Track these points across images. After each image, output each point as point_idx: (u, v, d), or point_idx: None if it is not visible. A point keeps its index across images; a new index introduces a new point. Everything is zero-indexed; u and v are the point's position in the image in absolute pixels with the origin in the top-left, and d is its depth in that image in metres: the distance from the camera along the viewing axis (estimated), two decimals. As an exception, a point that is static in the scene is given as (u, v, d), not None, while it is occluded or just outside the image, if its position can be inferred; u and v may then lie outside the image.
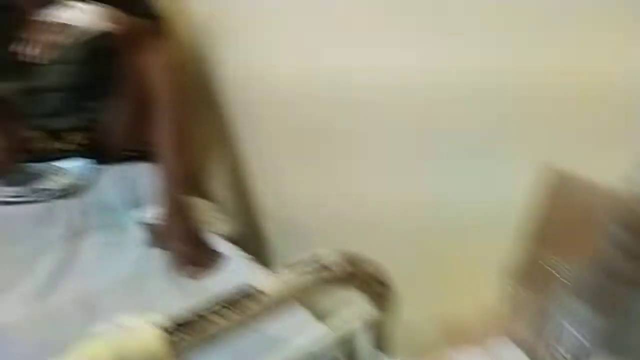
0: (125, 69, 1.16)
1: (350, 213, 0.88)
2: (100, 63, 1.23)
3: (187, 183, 1.12)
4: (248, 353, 0.55)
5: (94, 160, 1.30)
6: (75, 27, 0.95)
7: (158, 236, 1.02)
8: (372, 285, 0.54)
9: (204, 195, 1.42)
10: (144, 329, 0.40)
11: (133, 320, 0.40)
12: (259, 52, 1.05)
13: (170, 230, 1.02)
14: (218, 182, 1.43)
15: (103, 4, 1.01)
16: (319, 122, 0.91)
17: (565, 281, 0.50)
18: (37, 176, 1.23)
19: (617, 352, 0.47)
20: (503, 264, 0.59)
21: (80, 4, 0.98)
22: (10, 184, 1.18)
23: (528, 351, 0.55)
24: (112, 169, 1.27)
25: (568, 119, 0.53)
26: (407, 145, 0.73)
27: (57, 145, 1.30)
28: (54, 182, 1.19)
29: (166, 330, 0.40)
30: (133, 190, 1.18)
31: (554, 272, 0.52)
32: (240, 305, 0.44)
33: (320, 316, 0.79)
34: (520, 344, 0.55)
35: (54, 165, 1.27)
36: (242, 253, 1.02)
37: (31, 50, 0.90)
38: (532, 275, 0.56)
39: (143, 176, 1.23)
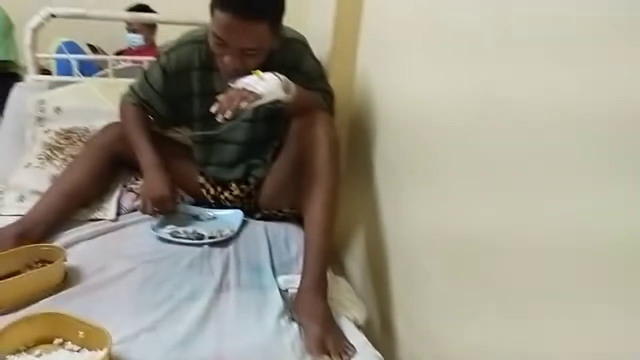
0: (292, 135, 1.22)
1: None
2: (271, 125, 1.32)
3: (330, 259, 1.11)
4: None
5: (247, 213, 1.38)
6: (259, 94, 1.03)
7: (295, 308, 1.02)
8: None
9: (342, 271, 1.41)
10: None
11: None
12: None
13: (306, 306, 1.00)
14: (356, 261, 1.41)
15: (285, 76, 1.09)
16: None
17: None
18: (194, 219, 1.33)
19: None
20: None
21: (266, 75, 1.06)
22: (170, 222, 1.29)
23: None
24: (263, 225, 1.33)
25: None
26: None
27: (221, 194, 1.40)
28: (208, 228, 1.27)
29: None
30: (281, 254, 1.20)
31: None
32: None
33: None
34: None
35: (211, 211, 1.36)
36: (374, 351, 0.96)
37: (223, 109, 0.99)
38: None
39: (292, 241, 1.25)
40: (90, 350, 0.83)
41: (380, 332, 1.21)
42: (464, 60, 0.86)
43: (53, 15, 1.75)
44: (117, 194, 1.33)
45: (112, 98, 1.62)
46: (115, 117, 1.49)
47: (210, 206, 1.39)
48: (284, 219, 1.38)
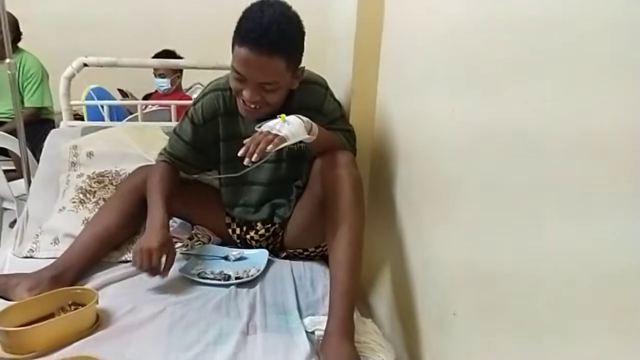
0: (315, 175, 1.24)
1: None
2: (294, 165, 1.35)
3: (356, 300, 1.11)
4: None
5: (272, 252, 1.40)
6: (284, 136, 1.06)
7: (321, 351, 1.01)
8: None
9: (369, 312, 1.39)
10: None
11: None
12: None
13: (332, 349, 0.99)
14: (383, 301, 1.39)
15: (308, 118, 1.13)
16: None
17: None
18: (221, 260, 1.35)
19: None
20: None
21: (290, 118, 1.10)
22: (197, 263, 1.31)
23: None
24: (288, 264, 1.34)
25: None
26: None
27: (247, 234, 1.42)
28: (235, 268, 1.28)
29: None
30: (307, 294, 1.20)
31: None
32: None
33: None
34: None
35: (238, 251, 1.38)
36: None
37: (250, 153, 1.03)
38: None
39: (318, 281, 1.26)
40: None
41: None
42: (485, 93, 0.87)
43: (86, 65, 1.85)
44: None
45: (140, 141, 1.68)
46: (143, 161, 1.55)
47: (236, 246, 1.41)
48: (308, 258, 1.39)
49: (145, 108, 2.45)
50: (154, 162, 1.53)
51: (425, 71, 1.12)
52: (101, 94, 2.51)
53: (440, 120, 1.04)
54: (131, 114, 2.60)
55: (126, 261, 1.30)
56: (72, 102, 1.93)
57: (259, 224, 1.40)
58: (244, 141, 1.05)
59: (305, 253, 1.39)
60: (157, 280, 1.18)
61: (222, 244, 1.43)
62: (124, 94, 3.03)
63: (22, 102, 2.63)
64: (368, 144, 1.43)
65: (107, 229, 1.29)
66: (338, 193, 1.13)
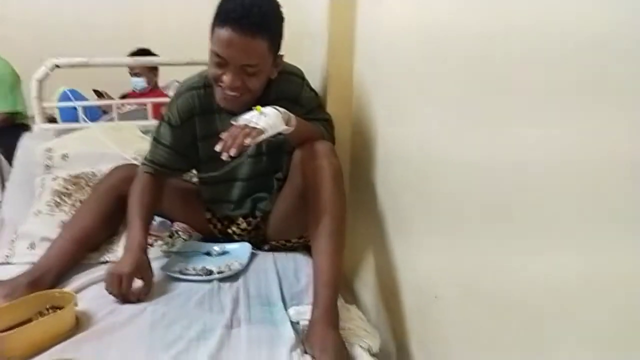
0: (295, 166, 1.23)
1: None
2: (274, 158, 1.34)
3: (340, 288, 1.10)
4: None
5: (255, 245, 1.38)
6: (262, 129, 1.04)
7: (307, 340, 1.00)
8: None
9: (353, 299, 1.39)
10: None
11: None
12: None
13: (318, 338, 0.99)
14: (367, 288, 1.39)
15: (285, 109, 1.11)
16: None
17: None
18: (203, 255, 1.33)
19: None
20: None
21: (266, 109, 1.08)
22: (179, 260, 1.29)
23: None
24: (271, 256, 1.33)
25: None
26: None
27: (228, 228, 1.41)
28: (217, 263, 1.27)
29: None
30: (291, 285, 1.19)
31: None
32: None
33: None
34: None
35: (220, 246, 1.36)
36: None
37: (227, 147, 1.01)
38: None
39: (302, 271, 1.25)
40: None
41: (396, 359, 1.19)
42: (457, 81, 0.87)
43: (57, 66, 1.81)
44: (124, 235, 1.34)
45: (116, 142, 1.66)
46: (121, 160, 1.52)
47: (218, 241, 1.40)
48: (292, 249, 1.38)
49: (121, 107, 2.41)
50: (131, 161, 1.51)
51: (400, 59, 1.11)
52: (75, 95, 2.46)
53: (416, 106, 1.04)
54: (106, 114, 2.56)
55: (105, 262, 1.28)
56: (45, 104, 1.89)
57: (240, 219, 1.39)
58: (221, 135, 1.04)
59: (288, 244, 1.38)
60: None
61: (203, 240, 1.41)
62: (99, 94, 2.97)
63: (-5, 108, 2.57)
64: (347, 131, 1.43)
65: (85, 230, 1.27)
66: (319, 183, 1.12)
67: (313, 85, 1.36)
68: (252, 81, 1.14)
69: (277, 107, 1.10)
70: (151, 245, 1.33)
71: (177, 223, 1.44)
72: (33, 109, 1.88)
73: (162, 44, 2.74)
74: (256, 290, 1.17)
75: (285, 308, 1.10)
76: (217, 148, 1.01)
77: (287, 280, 1.22)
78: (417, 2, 1.02)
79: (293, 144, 1.22)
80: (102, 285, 1.14)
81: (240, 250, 1.34)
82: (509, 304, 0.76)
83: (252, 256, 1.31)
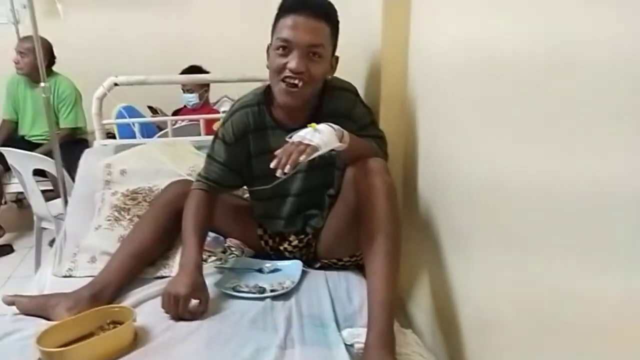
0: (347, 183, 1.21)
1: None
2: (325, 173, 1.33)
3: (395, 311, 1.07)
4: None
5: (306, 263, 1.37)
6: (316, 146, 1.04)
7: (361, 364, 0.98)
8: None
9: (408, 323, 1.35)
10: None
11: None
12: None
13: (371, 363, 0.97)
14: (421, 310, 1.35)
15: (338, 125, 1.10)
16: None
17: None
18: (255, 272, 1.33)
19: None
20: None
21: (320, 126, 1.08)
22: (232, 276, 1.30)
23: None
24: (323, 275, 1.31)
25: None
26: None
27: (280, 245, 1.41)
28: (269, 281, 1.27)
29: None
30: (344, 306, 1.17)
31: None
32: None
33: None
34: None
35: (271, 263, 1.36)
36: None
37: (282, 164, 1.01)
38: None
39: (354, 291, 1.23)
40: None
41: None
42: (516, 101, 0.83)
43: (116, 84, 1.89)
44: (180, 250, 1.36)
45: (171, 158, 1.70)
46: (175, 176, 1.56)
47: (269, 258, 1.40)
48: (343, 267, 1.36)
49: (175, 124, 2.49)
50: (185, 177, 1.55)
51: (455, 76, 1.09)
52: (131, 112, 2.56)
53: (472, 122, 1.00)
54: (161, 130, 2.64)
55: (161, 277, 1.30)
56: (104, 121, 1.98)
57: (291, 235, 1.39)
58: (275, 152, 1.04)
59: (340, 263, 1.36)
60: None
61: (255, 256, 1.41)
62: (154, 111, 3.08)
63: (57, 124, 2.70)
64: (399, 148, 1.40)
65: (142, 245, 1.30)
66: (373, 202, 1.10)
67: (366, 101, 1.35)
68: (315, 67, 1.17)
69: (331, 124, 1.10)
70: (205, 260, 1.34)
71: (230, 239, 1.45)
72: (94, 125, 1.96)
73: (213, 61, 2.81)
74: (308, 310, 1.16)
75: (339, 329, 1.08)
76: (272, 165, 1.02)
77: (340, 300, 1.20)
78: (472, 18, 1.00)
79: (346, 161, 1.21)
80: (159, 300, 1.16)
81: (291, 267, 1.33)
82: (579, 329, 0.71)
83: (304, 274, 1.30)
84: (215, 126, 2.30)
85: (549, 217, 0.77)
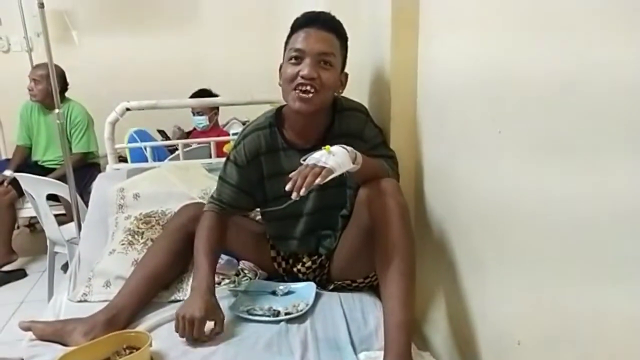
0: (360, 203, 1.21)
1: None
2: (338, 193, 1.33)
3: (412, 332, 1.06)
4: None
5: (320, 285, 1.37)
6: (331, 168, 1.04)
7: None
8: None
9: (425, 345, 1.34)
10: None
11: None
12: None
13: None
14: (438, 332, 1.34)
15: (352, 147, 1.11)
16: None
17: None
18: (269, 295, 1.33)
19: None
20: None
21: (334, 148, 1.08)
22: (246, 300, 1.30)
23: None
24: (337, 296, 1.31)
25: None
26: None
27: (293, 267, 1.40)
28: (283, 303, 1.26)
29: None
30: (359, 328, 1.16)
31: None
32: None
33: None
34: None
35: (285, 285, 1.36)
36: None
37: (297, 187, 1.01)
38: None
39: (369, 313, 1.22)
40: None
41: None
42: (532, 113, 0.83)
43: (128, 109, 1.92)
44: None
45: (184, 181, 1.71)
46: (188, 199, 1.57)
47: (283, 280, 1.39)
48: (357, 289, 1.36)
49: (186, 147, 2.51)
50: (198, 200, 1.56)
51: (464, 95, 1.10)
52: (142, 135, 2.59)
53: (485, 141, 1.01)
54: (171, 152, 2.67)
55: (175, 300, 1.30)
56: (117, 146, 2.00)
57: (305, 257, 1.38)
58: (290, 175, 1.05)
59: (354, 284, 1.35)
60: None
61: (269, 279, 1.41)
62: (164, 135, 3.13)
63: (70, 149, 2.74)
64: (411, 167, 1.41)
65: (156, 269, 1.30)
66: (387, 223, 1.10)
67: (376, 121, 1.36)
68: (326, 75, 1.20)
69: (345, 146, 1.11)
70: (218, 284, 1.34)
71: (243, 261, 1.45)
72: (106, 150, 1.99)
73: (222, 84, 2.86)
74: (324, 333, 1.15)
75: (355, 352, 1.07)
76: (287, 187, 1.02)
77: (355, 322, 1.19)
78: (478, 40, 1.01)
79: (358, 181, 1.22)
80: (173, 324, 1.16)
81: (305, 289, 1.33)
82: (599, 351, 0.70)
83: (318, 296, 1.30)
84: (226, 148, 2.32)
85: (566, 238, 0.76)
